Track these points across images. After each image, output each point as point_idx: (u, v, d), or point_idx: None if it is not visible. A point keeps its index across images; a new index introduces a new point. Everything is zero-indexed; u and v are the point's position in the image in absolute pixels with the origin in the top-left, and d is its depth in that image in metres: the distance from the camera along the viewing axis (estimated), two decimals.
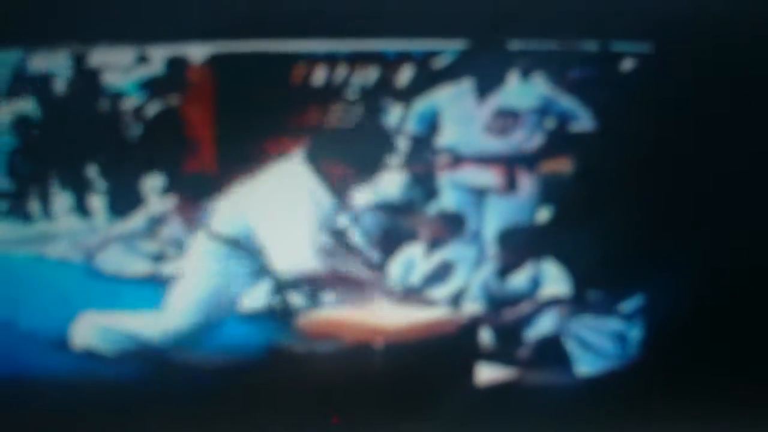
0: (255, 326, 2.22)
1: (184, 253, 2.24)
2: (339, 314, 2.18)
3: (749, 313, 2.14)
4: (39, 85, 2.24)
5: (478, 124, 2.25)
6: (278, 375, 2.15)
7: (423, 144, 2.24)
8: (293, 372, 2.14)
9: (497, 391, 2.17)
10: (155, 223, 2.29)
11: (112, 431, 2.18)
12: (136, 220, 2.29)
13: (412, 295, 2.24)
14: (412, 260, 2.26)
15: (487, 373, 2.18)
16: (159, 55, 2.22)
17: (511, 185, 2.25)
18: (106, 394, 2.16)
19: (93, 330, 2.19)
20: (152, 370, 2.18)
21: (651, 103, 2.11)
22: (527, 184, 2.24)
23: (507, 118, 2.22)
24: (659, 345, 2.16)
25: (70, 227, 2.29)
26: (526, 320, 2.21)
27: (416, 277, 2.25)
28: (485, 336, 2.22)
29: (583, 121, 2.18)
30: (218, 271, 2.20)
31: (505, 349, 2.21)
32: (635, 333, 2.19)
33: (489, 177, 2.26)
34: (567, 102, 2.19)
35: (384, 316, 2.17)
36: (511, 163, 2.25)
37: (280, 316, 2.21)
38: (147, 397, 2.16)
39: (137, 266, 2.31)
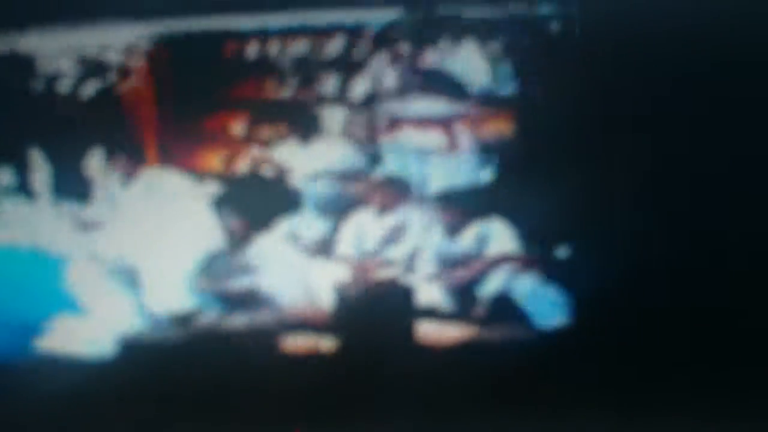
0: None
1: None
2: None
3: (698, 277, 2.14)
4: None
5: (414, 88, 2.25)
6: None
7: (361, 111, 2.25)
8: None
9: (451, 350, 2.20)
10: None
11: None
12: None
13: (365, 259, 2.26)
14: (362, 226, 2.27)
15: (438, 332, 2.20)
16: (95, 37, 2.22)
17: (450, 146, 2.25)
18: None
19: None
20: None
21: (582, 65, 2.12)
22: (466, 144, 2.25)
23: (441, 82, 2.23)
24: (602, 304, 2.15)
25: (13, 210, 2.28)
26: (477, 279, 2.23)
27: (368, 243, 2.27)
28: (438, 296, 2.24)
29: (518, 85, 2.20)
30: None
31: (458, 308, 2.22)
32: (580, 291, 2.19)
33: (428, 138, 2.26)
34: (502, 66, 2.20)
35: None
36: (449, 125, 2.25)
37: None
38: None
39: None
